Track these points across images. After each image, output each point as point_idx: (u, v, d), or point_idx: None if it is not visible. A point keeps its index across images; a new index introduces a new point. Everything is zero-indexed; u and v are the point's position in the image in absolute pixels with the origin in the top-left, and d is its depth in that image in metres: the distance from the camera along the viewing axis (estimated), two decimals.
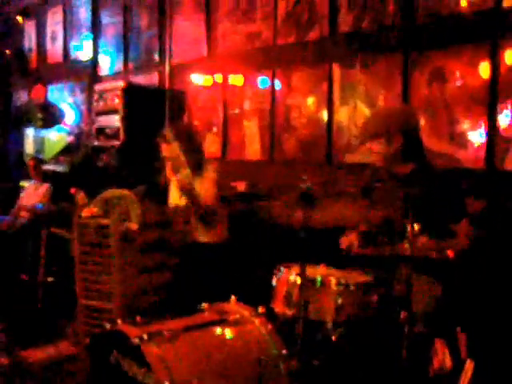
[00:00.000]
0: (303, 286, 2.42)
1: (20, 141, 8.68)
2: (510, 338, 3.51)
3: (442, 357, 3.07)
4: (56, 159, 6.77)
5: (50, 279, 4.95)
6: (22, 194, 6.83)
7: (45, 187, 6.52)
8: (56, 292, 4.78)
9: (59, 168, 6.50)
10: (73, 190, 5.42)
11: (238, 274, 3.84)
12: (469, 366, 2.84)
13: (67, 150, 7.08)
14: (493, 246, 3.61)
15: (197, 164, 3.97)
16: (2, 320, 4.52)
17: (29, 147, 8.59)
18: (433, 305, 2.99)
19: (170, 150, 3.88)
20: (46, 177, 6.46)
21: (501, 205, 3.74)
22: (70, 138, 7.76)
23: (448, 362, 3.09)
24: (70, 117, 7.89)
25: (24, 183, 7.07)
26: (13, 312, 4.64)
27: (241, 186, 5.22)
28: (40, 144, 8.32)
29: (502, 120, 3.78)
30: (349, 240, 3.09)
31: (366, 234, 2.96)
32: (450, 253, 2.93)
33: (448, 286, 3.12)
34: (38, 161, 6.84)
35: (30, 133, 8.51)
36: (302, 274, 2.40)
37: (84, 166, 6.31)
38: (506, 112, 3.75)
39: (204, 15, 5.83)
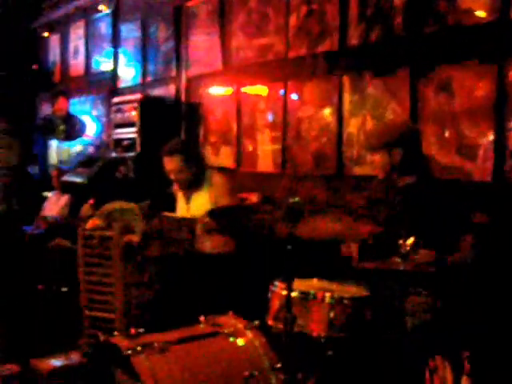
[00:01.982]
0: (289, 299, 2.42)
1: (44, 151, 8.89)
2: None
3: (443, 373, 3.03)
4: (75, 170, 6.88)
5: (64, 289, 5.02)
6: (44, 205, 6.97)
7: (65, 198, 6.64)
8: (71, 302, 4.84)
9: (78, 179, 6.59)
10: (91, 201, 5.52)
11: (243, 285, 3.85)
12: (464, 382, 2.81)
13: (87, 161, 7.19)
14: (500, 259, 3.57)
15: (200, 176, 4.06)
16: (17, 329, 4.60)
17: (52, 158, 8.78)
18: (431, 320, 2.97)
19: (172, 163, 3.97)
20: (64, 187, 6.58)
21: (508, 218, 3.69)
22: (91, 150, 7.90)
23: (449, 379, 3.05)
24: (91, 129, 8.02)
25: (47, 193, 7.22)
26: (28, 321, 4.72)
27: (253, 198, 5.24)
28: (65, 155, 8.50)
29: (510, 133, 3.73)
30: (348, 251, 3.12)
31: (364, 248, 2.96)
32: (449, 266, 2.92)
33: (449, 301, 3.09)
34: (61, 171, 6.98)
35: (53, 144, 8.70)
36: (288, 288, 2.40)
37: (101, 177, 6.39)
38: None
39: (218, 28, 5.89)
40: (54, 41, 8.90)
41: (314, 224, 2.42)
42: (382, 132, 3.29)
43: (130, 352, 2.54)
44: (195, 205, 4.04)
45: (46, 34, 8.99)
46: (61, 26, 8.72)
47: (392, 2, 4.33)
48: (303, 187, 4.81)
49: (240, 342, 2.76)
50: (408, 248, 2.58)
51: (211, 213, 2.83)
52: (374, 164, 3.30)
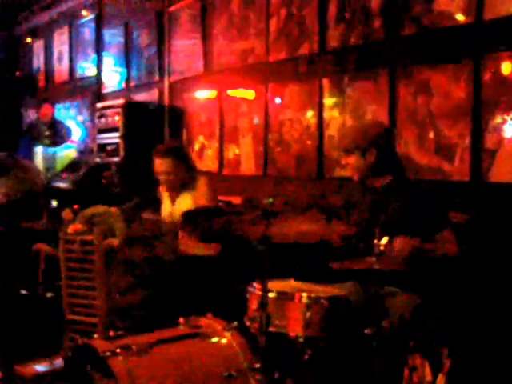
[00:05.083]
0: (264, 300, 2.44)
1: (30, 158, 8.85)
2: (496, 349, 3.48)
3: (422, 371, 3.06)
4: (60, 176, 6.88)
5: (49, 294, 5.01)
6: None
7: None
8: (56, 307, 4.84)
9: (63, 184, 6.60)
10: (76, 207, 5.52)
11: (226, 287, 3.86)
12: (440, 381, 2.84)
13: (72, 166, 7.19)
14: (477, 258, 3.60)
15: (188, 179, 4.08)
16: (1, 335, 4.59)
17: (38, 164, 8.76)
18: (410, 317, 2.99)
19: (163, 164, 3.99)
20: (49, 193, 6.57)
21: (485, 217, 3.73)
22: (76, 155, 7.91)
23: (428, 376, 3.08)
24: (77, 134, 8.03)
25: None
26: (11, 327, 4.71)
27: (236, 201, 5.26)
28: (51, 161, 8.48)
29: (487, 133, 3.77)
30: None
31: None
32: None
33: (429, 298, 3.12)
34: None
35: (39, 150, 8.68)
36: (263, 288, 2.42)
37: (86, 182, 6.40)
38: (491, 125, 3.75)
39: (200, 32, 5.92)
40: (38, 47, 8.91)
41: (287, 225, 2.45)
42: (355, 134, 3.33)
43: (107, 354, 2.55)
44: (179, 207, 4.04)
45: (29, 40, 8.99)
46: (44, 32, 8.73)
47: (369, 5, 4.37)
48: (285, 190, 4.84)
49: (218, 342, 2.78)
50: (382, 248, 2.61)
51: (184, 215, 2.85)
52: (348, 166, 3.35)
